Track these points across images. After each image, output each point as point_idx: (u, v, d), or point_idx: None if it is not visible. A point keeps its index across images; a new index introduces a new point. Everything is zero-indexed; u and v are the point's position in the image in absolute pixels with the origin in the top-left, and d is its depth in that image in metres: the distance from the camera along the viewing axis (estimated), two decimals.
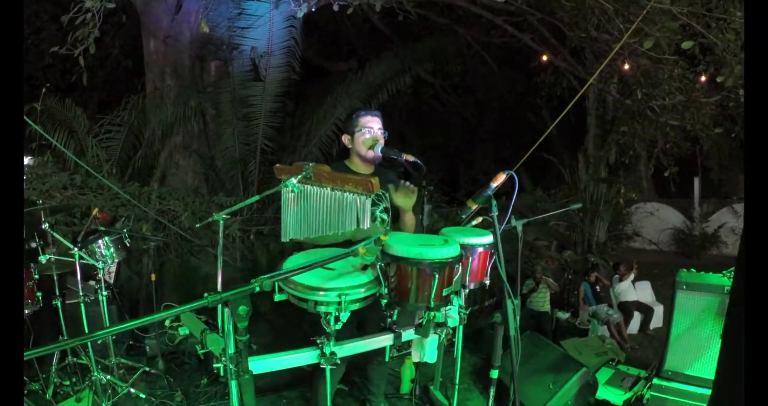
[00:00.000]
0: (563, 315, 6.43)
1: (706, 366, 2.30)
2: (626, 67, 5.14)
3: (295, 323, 3.91)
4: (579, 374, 3.02)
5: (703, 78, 5.48)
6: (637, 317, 6.53)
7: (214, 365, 1.91)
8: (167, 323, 3.88)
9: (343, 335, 2.02)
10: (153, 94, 6.09)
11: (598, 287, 6.44)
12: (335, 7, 4.86)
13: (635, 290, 6.68)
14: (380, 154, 2.47)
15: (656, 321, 6.52)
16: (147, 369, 3.32)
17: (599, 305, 6.30)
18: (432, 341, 2.51)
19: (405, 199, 2.54)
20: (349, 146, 2.63)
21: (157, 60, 6.32)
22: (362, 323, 2.55)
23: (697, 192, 9.80)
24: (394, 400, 3.12)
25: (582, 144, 7.55)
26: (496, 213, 2.00)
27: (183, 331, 3.85)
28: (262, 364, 1.88)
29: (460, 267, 1.94)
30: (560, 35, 6.37)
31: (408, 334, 2.23)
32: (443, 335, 2.36)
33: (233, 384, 1.85)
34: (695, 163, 9.38)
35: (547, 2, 5.73)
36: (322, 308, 1.79)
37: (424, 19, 7.54)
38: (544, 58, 6.21)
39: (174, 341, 3.80)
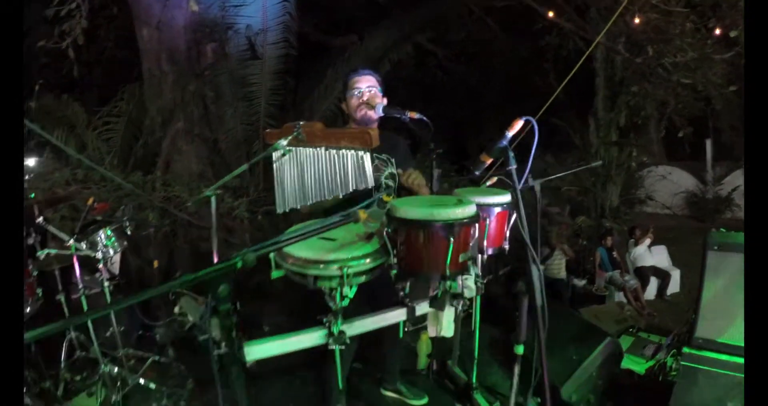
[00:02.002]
0: (580, 282, 6.28)
1: (742, 333, 2.10)
2: (636, 21, 4.85)
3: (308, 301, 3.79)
4: (603, 343, 2.86)
5: (717, 32, 5.18)
6: (653, 282, 6.36)
7: (216, 352, 1.78)
8: (176, 310, 3.76)
9: (352, 313, 1.86)
10: (150, 81, 5.92)
11: (614, 253, 6.26)
12: None
13: (651, 255, 6.49)
14: (374, 115, 2.29)
15: (673, 286, 6.35)
16: (157, 359, 3.21)
17: (615, 270, 6.13)
18: (448, 314, 2.36)
19: (412, 183, 2.33)
20: (346, 112, 2.46)
21: (152, 47, 6.14)
22: (372, 298, 2.39)
23: (709, 155, 9.49)
24: (410, 377, 2.98)
25: (591, 107, 7.27)
26: (515, 166, 1.75)
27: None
28: (262, 349, 1.73)
29: (477, 230, 1.76)
30: None
31: (422, 307, 2.06)
32: (460, 307, 2.20)
33: (233, 370, 1.74)
34: (706, 124, 9.04)
35: None
36: (323, 283, 1.62)
37: None
38: (551, 14, 5.91)
39: (185, 328, 3.69)
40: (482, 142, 8.32)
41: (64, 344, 3.04)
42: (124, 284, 3.59)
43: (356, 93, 2.35)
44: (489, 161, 1.82)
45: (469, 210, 1.62)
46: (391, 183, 2.33)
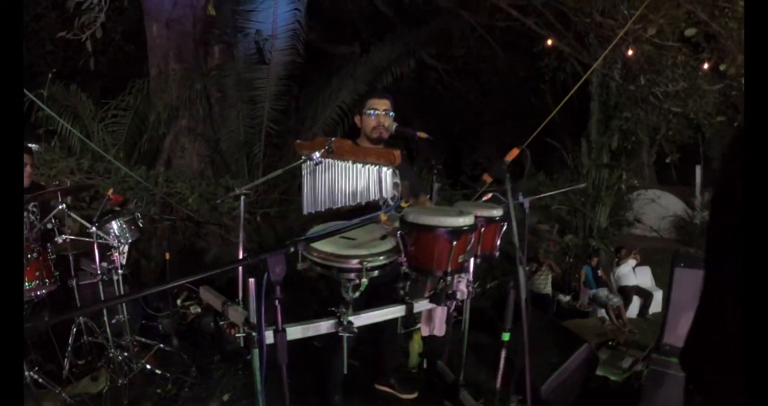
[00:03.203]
0: (564, 298, 6.59)
1: None
2: (630, 52, 5.21)
3: (309, 297, 4.02)
4: (580, 349, 3.15)
5: (706, 65, 5.56)
6: (636, 301, 6.70)
7: (237, 335, 2.03)
8: (179, 301, 4.00)
9: (356, 308, 2.14)
10: (157, 78, 6.15)
11: (599, 272, 6.59)
12: None
13: (635, 275, 6.84)
14: (386, 135, 2.60)
15: (655, 306, 6.69)
16: (162, 346, 3.44)
17: (599, 288, 6.46)
18: (441, 314, 2.65)
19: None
20: (359, 126, 2.75)
21: (161, 44, 6.36)
22: (373, 297, 2.66)
23: (698, 180, 9.93)
24: (402, 374, 3.25)
25: (585, 129, 7.63)
26: (510, 185, 2.10)
27: (195, 309, 3.99)
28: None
29: (474, 237, 2.06)
30: (564, 20, 6.43)
31: (420, 305, 2.34)
32: (452, 308, 2.50)
33: (255, 353, 1.97)
34: (697, 151, 9.48)
35: None
36: (344, 275, 1.90)
37: (427, 2, 7.58)
38: (549, 42, 6.27)
39: (187, 320, 3.93)
40: (477, 158, 8.70)
41: (72, 329, 3.25)
42: (129, 275, 3.80)
43: (374, 114, 2.66)
44: (490, 180, 2.14)
45: (469, 220, 1.93)
46: (395, 192, 2.62)
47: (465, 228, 1.92)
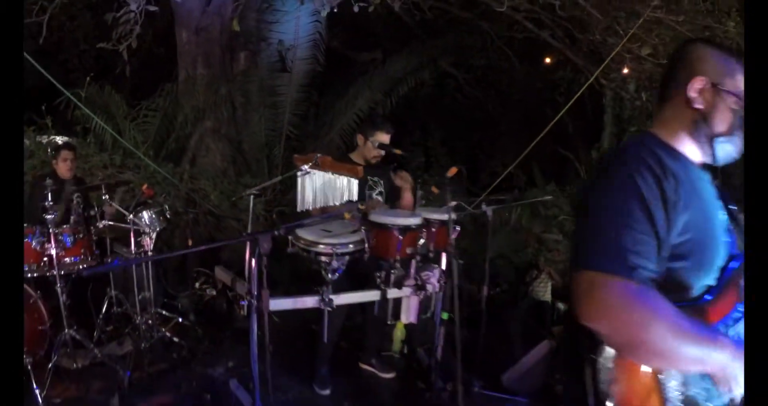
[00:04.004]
0: (564, 306, 7.15)
1: None
2: (625, 70, 5.82)
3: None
4: (540, 344, 3.80)
5: None
6: None
7: (240, 302, 2.78)
8: (197, 284, 4.81)
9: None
10: (186, 82, 6.99)
11: None
12: (356, 8, 5.68)
13: None
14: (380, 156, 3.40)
15: None
16: (180, 320, 4.23)
17: None
18: (413, 304, 3.37)
19: (402, 181, 3.46)
20: (359, 144, 3.51)
21: (190, 50, 7.16)
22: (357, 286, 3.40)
23: None
24: (385, 357, 3.98)
25: (599, 141, 8.19)
26: (449, 196, 2.84)
27: (211, 292, 4.79)
28: (278, 303, 2.74)
29: (425, 234, 2.79)
30: (575, 33, 7.05)
31: (392, 293, 3.08)
32: (422, 297, 3.23)
33: (255, 319, 2.72)
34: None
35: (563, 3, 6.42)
36: (320, 257, 2.65)
37: (447, 13, 8.26)
38: (548, 60, 6.91)
39: (203, 301, 4.74)
40: (494, 167, 9.30)
41: (105, 301, 4.08)
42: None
43: (377, 145, 3.42)
44: (436, 191, 2.86)
45: (416, 220, 2.66)
46: (380, 198, 3.39)
47: (412, 227, 2.66)
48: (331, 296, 2.81)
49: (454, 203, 3.31)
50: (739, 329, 1.30)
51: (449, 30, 8.28)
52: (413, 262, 2.99)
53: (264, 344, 2.65)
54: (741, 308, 1.33)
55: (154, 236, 4.40)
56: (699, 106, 1.35)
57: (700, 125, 1.37)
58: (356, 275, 3.12)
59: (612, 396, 1.21)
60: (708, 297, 1.30)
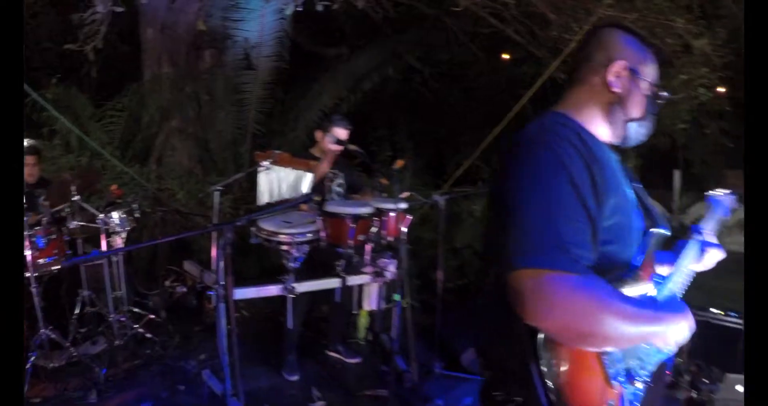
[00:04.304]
0: None
1: None
2: None
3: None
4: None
5: None
6: None
7: (208, 293, 3.05)
8: (167, 283, 5.04)
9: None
10: (151, 81, 7.15)
11: None
12: (319, 7, 5.93)
13: None
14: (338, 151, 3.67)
15: None
16: (152, 317, 4.47)
17: None
18: (374, 291, 3.67)
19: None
20: (318, 140, 3.80)
21: (155, 48, 7.30)
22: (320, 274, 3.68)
23: (677, 185, 10.90)
24: (350, 343, 4.28)
25: None
26: (398, 185, 3.17)
27: (181, 289, 5.02)
28: (243, 292, 3.02)
29: (377, 223, 3.09)
30: (537, 30, 7.39)
31: (352, 279, 3.38)
32: (381, 284, 3.53)
33: (222, 307, 2.99)
34: (678, 156, 10.45)
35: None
36: (281, 246, 2.93)
37: (413, 8, 8.53)
38: (511, 55, 7.24)
39: (173, 298, 4.97)
40: (459, 160, 9.61)
41: (77, 300, 4.28)
42: (126, 257, 4.82)
43: (336, 141, 3.70)
44: (386, 182, 3.16)
45: (367, 209, 2.95)
46: (341, 190, 3.69)
47: (364, 215, 2.97)
48: (294, 284, 3.10)
49: (407, 194, 3.64)
50: (657, 295, 1.39)
51: (414, 25, 8.55)
52: (368, 248, 3.30)
53: (231, 336, 2.90)
54: (656, 278, 1.43)
55: (124, 235, 4.62)
56: (617, 89, 1.40)
57: (615, 108, 1.42)
58: (318, 265, 3.41)
59: (557, 378, 1.20)
60: (629, 274, 1.35)
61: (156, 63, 7.34)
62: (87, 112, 6.84)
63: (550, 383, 1.20)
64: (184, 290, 4.95)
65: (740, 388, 5.19)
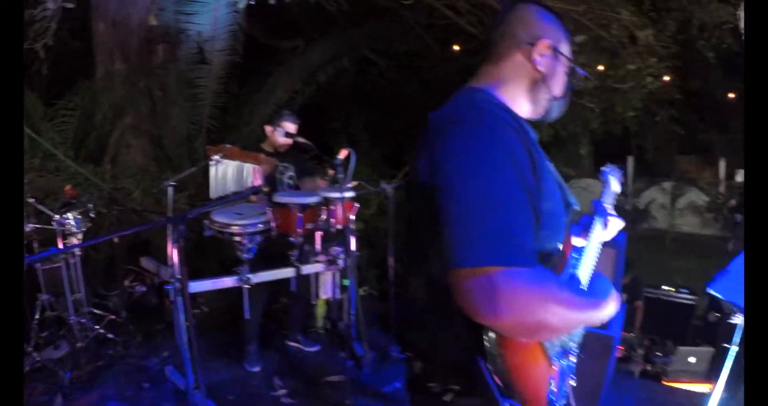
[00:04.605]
0: None
1: None
2: None
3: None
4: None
5: (601, 67, 6.82)
6: None
7: (165, 287, 3.16)
8: (127, 282, 5.10)
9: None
10: (104, 77, 7.11)
11: None
12: (272, 0, 6.01)
13: None
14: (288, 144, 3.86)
15: None
16: (113, 317, 4.54)
17: None
18: (328, 280, 3.84)
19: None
20: (268, 135, 3.93)
21: (106, 43, 7.23)
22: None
23: (630, 170, 11.45)
24: (310, 332, 4.45)
25: None
26: (343, 175, 3.35)
27: (141, 289, 5.09)
28: (199, 285, 3.14)
29: (325, 212, 3.26)
30: (489, 21, 7.61)
31: (306, 268, 3.53)
32: (336, 272, 3.70)
33: (179, 300, 3.11)
34: (631, 143, 10.97)
35: None
36: (234, 237, 3.07)
37: (368, 0, 8.65)
38: (456, 47, 7.45)
39: (133, 298, 5.04)
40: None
41: (36, 306, 4.31)
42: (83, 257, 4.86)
43: (284, 134, 3.90)
44: (332, 173, 3.33)
45: (314, 199, 3.13)
46: (291, 182, 3.85)
47: (311, 204, 3.17)
48: (249, 275, 3.25)
49: (355, 183, 3.82)
50: (577, 270, 1.39)
51: (370, 17, 8.67)
52: (317, 237, 3.47)
53: (190, 329, 3.03)
54: (575, 253, 1.44)
55: (80, 236, 4.66)
56: (542, 67, 1.40)
57: (540, 86, 1.42)
58: (273, 255, 3.56)
59: (505, 368, 1.21)
60: (556, 255, 1.36)
61: (108, 58, 7.28)
62: (38, 112, 6.78)
63: (498, 374, 1.20)
64: (144, 289, 5.02)
65: (692, 359, 5.56)
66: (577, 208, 1.47)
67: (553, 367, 1.28)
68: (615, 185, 1.86)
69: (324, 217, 3.41)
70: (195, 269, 3.30)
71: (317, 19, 9.18)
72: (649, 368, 5.78)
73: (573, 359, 1.39)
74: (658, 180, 11.55)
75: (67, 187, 4.32)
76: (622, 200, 11.28)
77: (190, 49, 7.33)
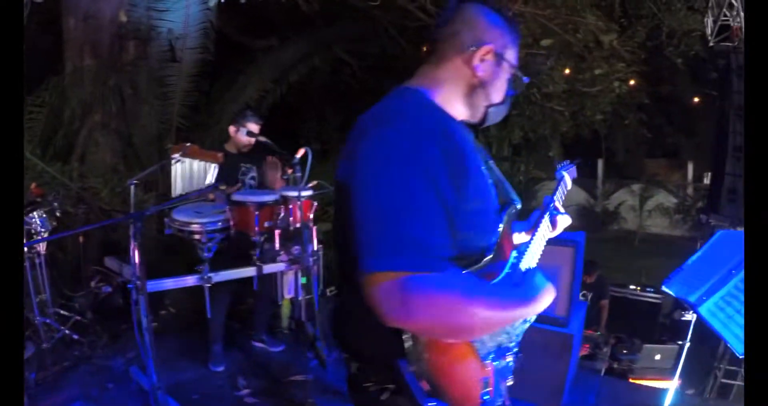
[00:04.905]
0: None
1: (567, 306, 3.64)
2: None
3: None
4: None
5: (567, 71, 7.00)
6: None
7: (128, 286, 3.22)
8: (93, 284, 5.13)
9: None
10: (73, 74, 7.06)
11: None
12: None
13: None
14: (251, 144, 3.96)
15: None
16: (79, 318, 4.56)
17: None
18: (290, 279, 3.92)
19: (271, 165, 4.08)
20: (231, 135, 4.02)
21: (77, 38, 7.17)
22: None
23: (600, 172, 11.74)
24: (275, 332, 4.53)
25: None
26: (300, 174, 3.45)
27: (107, 290, 5.13)
28: (159, 284, 3.21)
29: (282, 210, 3.41)
30: None
31: (268, 268, 3.61)
32: (299, 273, 3.78)
33: (141, 299, 3.17)
34: (600, 146, 11.25)
35: None
36: (194, 236, 3.16)
37: (342, 1, 8.73)
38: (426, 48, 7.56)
39: (99, 299, 5.08)
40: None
41: None
42: (49, 258, 4.87)
43: (246, 134, 3.99)
44: (291, 171, 3.42)
45: (271, 197, 3.26)
46: (253, 182, 3.94)
47: (268, 203, 3.34)
48: (210, 274, 3.32)
49: (314, 182, 3.91)
50: (518, 266, 1.38)
51: (345, 18, 8.75)
52: (276, 235, 3.58)
53: (150, 329, 3.10)
54: (518, 249, 1.44)
55: (46, 236, 4.67)
56: (482, 73, 1.36)
57: (477, 92, 1.38)
58: (236, 255, 3.63)
59: (431, 369, 1.21)
60: (489, 254, 1.33)
61: (78, 55, 7.22)
62: None
63: (423, 376, 1.20)
64: (110, 290, 5.06)
65: (658, 357, 5.75)
66: (518, 205, 1.46)
67: (486, 368, 1.28)
68: (569, 183, 1.94)
69: (282, 215, 3.51)
70: (163, 270, 3.37)
71: (292, 17, 9.24)
72: (615, 365, 5.95)
73: (510, 359, 1.39)
74: (628, 182, 11.89)
75: (32, 186, 4.33)
76: (591, 202, 11.56)
77: (161, 46, 7.34)
